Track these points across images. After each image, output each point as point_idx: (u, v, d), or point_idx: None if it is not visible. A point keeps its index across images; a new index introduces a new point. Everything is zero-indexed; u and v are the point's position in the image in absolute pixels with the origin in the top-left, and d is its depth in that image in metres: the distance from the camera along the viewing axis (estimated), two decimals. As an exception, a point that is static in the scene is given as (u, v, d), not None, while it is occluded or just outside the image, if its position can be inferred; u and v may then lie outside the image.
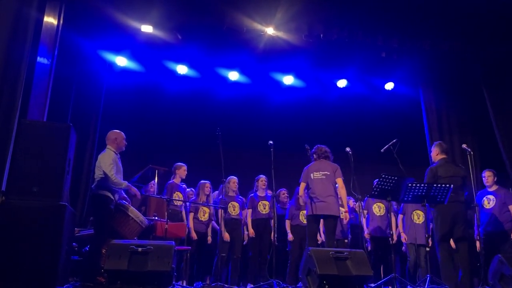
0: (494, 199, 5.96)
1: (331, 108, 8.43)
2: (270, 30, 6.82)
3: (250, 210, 6.46)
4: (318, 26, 6.84)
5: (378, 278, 5.90)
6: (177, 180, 6.38)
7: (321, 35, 6.91)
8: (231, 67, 7.96)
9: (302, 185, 5.51)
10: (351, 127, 8.37)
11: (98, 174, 4.68)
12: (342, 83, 8.32)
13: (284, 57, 7.49)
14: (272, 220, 5.57)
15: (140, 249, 4.00)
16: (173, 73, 7.84)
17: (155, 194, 6.26)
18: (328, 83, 8.42)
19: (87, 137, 6.80)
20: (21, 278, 3.67)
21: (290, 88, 8.38)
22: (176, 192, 6.25)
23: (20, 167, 3.98)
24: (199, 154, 7.54)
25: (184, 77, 7.90)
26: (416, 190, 4.97)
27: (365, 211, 6.68)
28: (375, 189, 5.01)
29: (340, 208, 5.45)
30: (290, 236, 6.43)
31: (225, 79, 8.09)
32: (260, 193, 6.59)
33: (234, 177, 6.46)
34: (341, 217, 5.49)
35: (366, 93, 8.48)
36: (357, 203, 5.96)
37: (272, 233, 5.52)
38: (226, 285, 5.32)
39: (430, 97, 8.15)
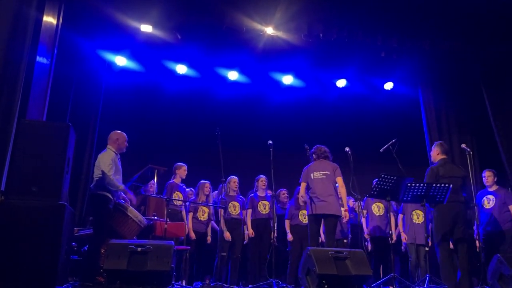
0: (494, 199, 5.96)
1: (330, 108, 8.43)
2: (269, 30, 6.83)
3: (250, 210, 6.46)
4: (318, 26, 6.85)
5: (377, 278, 5.90)
6: (177, 180, 6.37)
7: (321, 35, 6.92)
8: (231, 67, 7.96)
9: (303, 185, 5.51)
10: (351, 127, 8.37)
11: (97, 174, 4.66)
12: (341, 83, 8.32)
13: (283, 57, 7.49)
14: (272, 220, 5.58)
15: (139, 248, 3.99)
16: (173, 72, 7.83)
17: (155, 193, 6.26)
18: (327, 83, 8.43)
19: (86, 137, 6.80)
20: (21, 277, 3.67)
21: (290, 88, 8.37)
22: (176, 192, 6.24)
23: (19, 167, 3.97)
24: (199, 154, 7.53)
25: (183, 77, 7.89)
26: (416, 190, 4.97)
27: (365, 211, 6.68)
28: (374, 189, 5.01)
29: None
30: (289, 236, 6.42)
31: (224, 79, 8.09)
32: (260, 193, 6.59)
33: (235, 177, 6.45)
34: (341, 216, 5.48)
35: (366, 93, 8.49)
36: (357, 203, 5.96)
37: (272, 233, 5.52)
38: (225, 285, 5.32)
39: (430, 97, 8.15)
